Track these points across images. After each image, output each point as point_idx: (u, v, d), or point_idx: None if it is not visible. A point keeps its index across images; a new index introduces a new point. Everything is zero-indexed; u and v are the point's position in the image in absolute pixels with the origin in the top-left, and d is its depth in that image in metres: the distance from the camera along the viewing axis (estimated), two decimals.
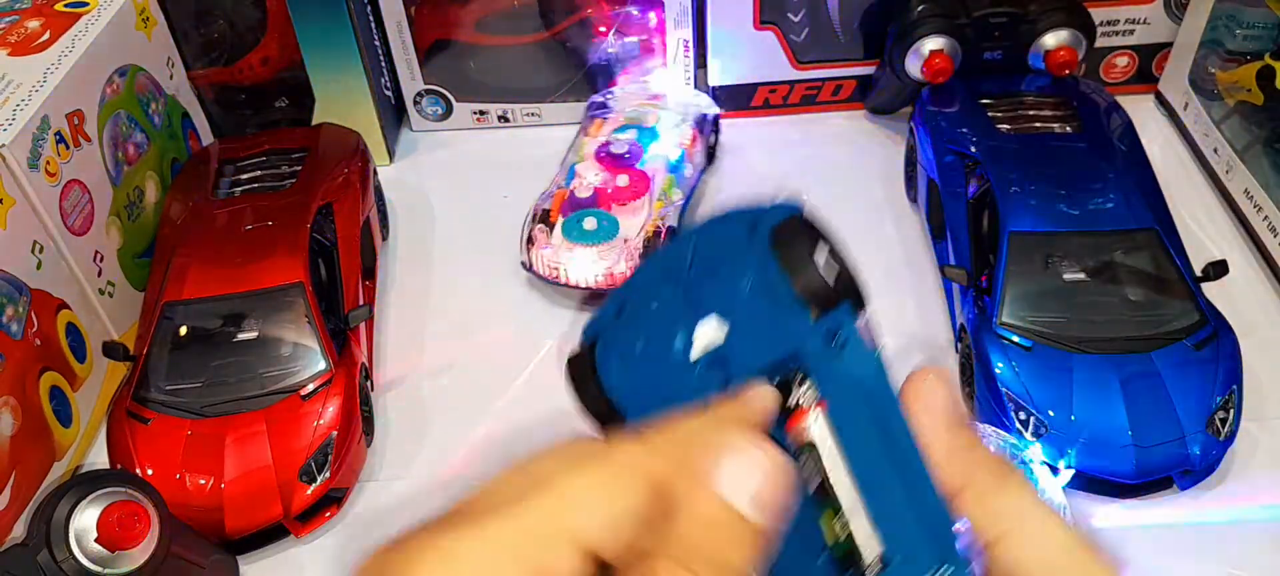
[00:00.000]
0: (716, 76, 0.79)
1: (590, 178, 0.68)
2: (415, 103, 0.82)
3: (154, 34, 0.71)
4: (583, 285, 0.64)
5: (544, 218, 0.66)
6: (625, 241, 0.64)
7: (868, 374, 0.22)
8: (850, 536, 0.22)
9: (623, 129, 0.72)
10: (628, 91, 0.78)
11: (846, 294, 0.23)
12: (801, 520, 0.22)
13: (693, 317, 0.24)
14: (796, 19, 0.77)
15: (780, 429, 0.23)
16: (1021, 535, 0.22)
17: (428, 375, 0.63)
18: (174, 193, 0.68)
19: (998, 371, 0.54)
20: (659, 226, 0.65)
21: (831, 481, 0.22)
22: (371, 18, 0.76)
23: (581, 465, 0.21)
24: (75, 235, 0.59)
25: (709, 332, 0.24)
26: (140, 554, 0.45)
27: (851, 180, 0.76)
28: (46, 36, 0.62)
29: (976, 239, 0.61)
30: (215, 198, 0.65)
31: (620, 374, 0.24)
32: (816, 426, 0.23)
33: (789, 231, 0.23)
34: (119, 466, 0.54)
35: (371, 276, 0.68)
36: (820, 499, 0.22)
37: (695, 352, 0.24)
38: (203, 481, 0.53)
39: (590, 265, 0.63)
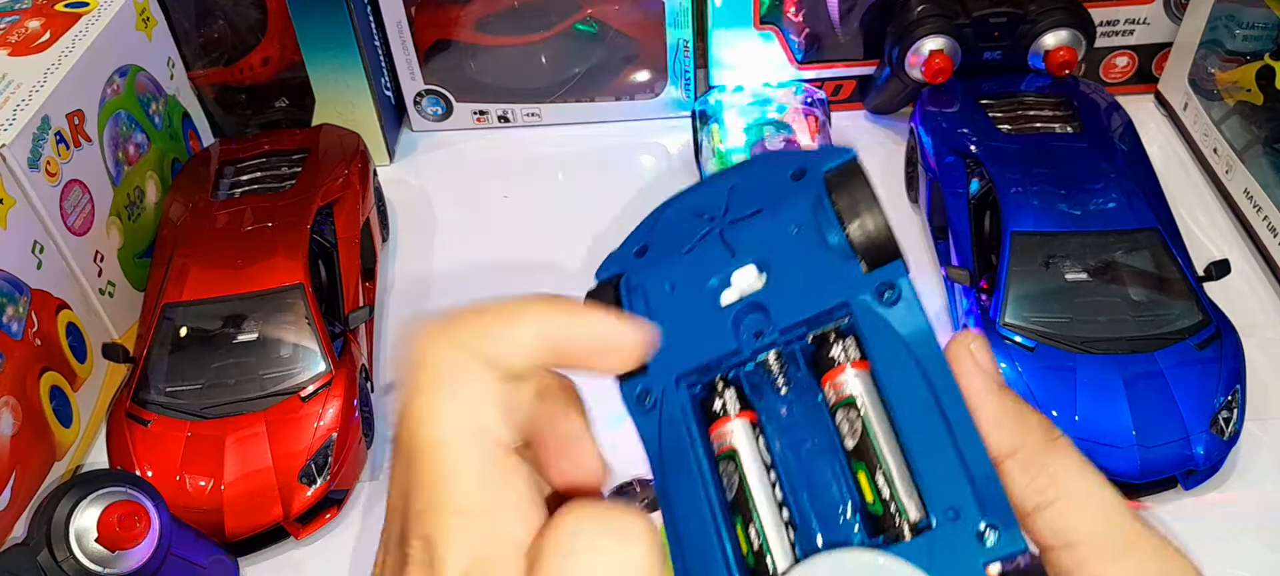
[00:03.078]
0: (716, 76, 0.79)
1: None
2: (415, 103, 0.82)
3: (154, 34, 0.71)
4: None
5: None
6: None
7: (918, 330, 0.21)
8: (893, 494, 0.21)
9: (754, 127, 0.69)
10: (726, 90, 0.74)
11: (899, 250, 0.22)
12: (834, 474, 0.22)
13: (729, 263, 0.23)
14: (797, 19, 0.77)
15: (811, 381, 0.22)
16: (1071, 500, 0.21)
17: None
18: (174, 193, 0.67)
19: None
20: None
21: (873, 438, 0.21)
22: (371, 18, 0.76)
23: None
24: (75, 235, 0.59)
25: (747, 279, 0.23)
26: (140, 554, 0.45)
27: None
28: (47, 37, 0.62)
29: (978, 239, 0.61)
30: (215, 199, 0.65)
31: (647, 315, 0.24)
32: (857, 382, 0.22)
33: (847, 175, 0.22)
34: (119, 468, 0.54)
35: (371, 277, 0.68)
36: (857, 456, 0.21)
37: (731, 298, 0.23)
38: (203, 483, 0.53)
39: None
